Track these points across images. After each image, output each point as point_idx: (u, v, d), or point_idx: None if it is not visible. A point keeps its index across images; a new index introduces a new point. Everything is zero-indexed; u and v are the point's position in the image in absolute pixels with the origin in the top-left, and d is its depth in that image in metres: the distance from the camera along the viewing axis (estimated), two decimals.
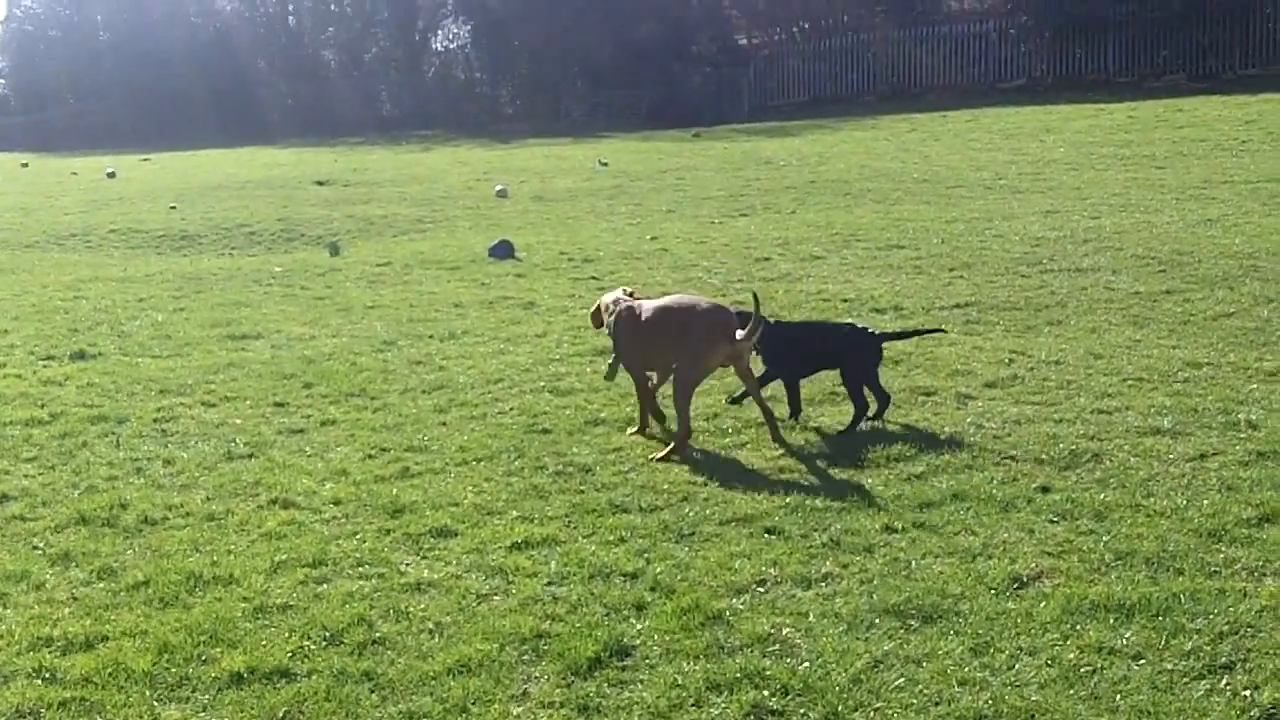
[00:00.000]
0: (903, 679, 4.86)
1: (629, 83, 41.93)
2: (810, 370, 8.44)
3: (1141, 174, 19.30)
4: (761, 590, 5.75)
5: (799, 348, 8.28)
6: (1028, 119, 28.79)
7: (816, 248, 14.71)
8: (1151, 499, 6.45)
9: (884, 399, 8.08)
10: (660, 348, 7.94)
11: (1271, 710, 4.49)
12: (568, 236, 17.24)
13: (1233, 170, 18.85)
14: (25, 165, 37.94)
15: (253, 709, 4.94)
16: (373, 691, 5.04)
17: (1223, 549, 5.82)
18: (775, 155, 26.33)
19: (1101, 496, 6.52)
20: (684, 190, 21.79)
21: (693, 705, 4.79)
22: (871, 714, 4.65)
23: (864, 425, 7.92)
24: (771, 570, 5.93)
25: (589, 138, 34.64)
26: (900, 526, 6.33)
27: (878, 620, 5.36)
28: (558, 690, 4.98)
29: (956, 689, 4.76)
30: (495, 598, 5.83)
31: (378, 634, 5.51)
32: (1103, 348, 9.42)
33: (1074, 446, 7.29)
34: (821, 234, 15.70)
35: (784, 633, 5.31)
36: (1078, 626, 5.17)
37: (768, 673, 4.95)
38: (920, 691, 4.77)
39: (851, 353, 8.08)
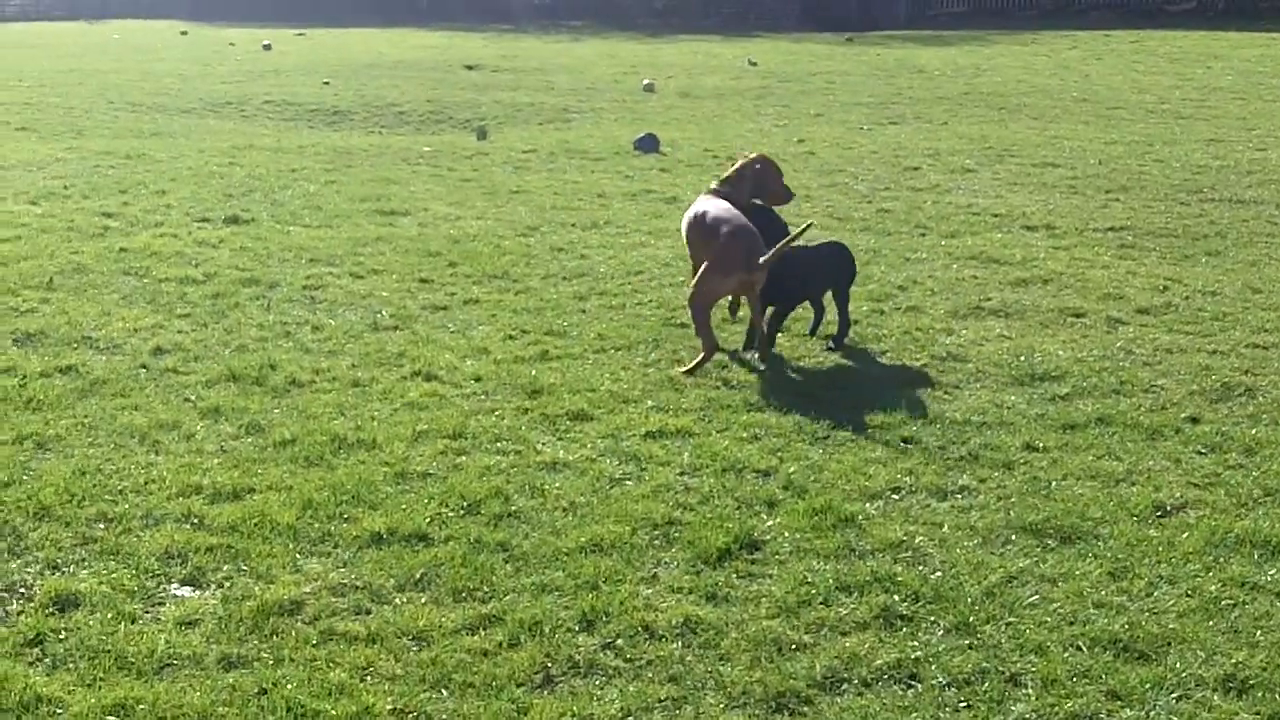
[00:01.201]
0: (1037, 596, 4.82)
1: None
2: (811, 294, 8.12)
3: None
4: (895, 497, 5.72)
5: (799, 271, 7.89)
6: (1195, 44, 27.87)
7: (968, 160, 14.44)
8: None
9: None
10: (697, 249, 7.87)
11: None
12: (713, 134, 17.10)
13: None
14: (184, 34, 38.51)
15: (391, 568, 5.05)
16: (506, 562, 5.13)
17: None
18: (929, 64, 25.82)
19: (1253, 432, 6.37)
20: (833, 95, 21.48)
21: (821, 603, 4.80)
22: (1003, 627, 4.61)
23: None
24: (907, 479, 5.90)
25: (739, 37, 34.23)
26: (1042, 446, 6.24)
27: (1014, 537, 5.31)
28: (687, 576, 5.02)
29: (1092, 610, 4.71)
30: (628, 482, 5.87)
31: (513, 508, 5.59)
32: (1261, 282, 9.15)
33: (1227, 379, 7.11)
34: (974, 147, 15.40)
35: (917, 541, 5.28)
36: (1220, 559, 5.08)
37: (899, 578, 4.94)
38: (1054, 610, 4.72)
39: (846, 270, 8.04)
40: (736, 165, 8.27)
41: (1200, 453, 6.14)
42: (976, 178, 13.46)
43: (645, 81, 23.24)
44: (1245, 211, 11.51)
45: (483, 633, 4.62)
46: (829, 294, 8.03)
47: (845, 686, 4.32)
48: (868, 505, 5.64)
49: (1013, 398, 6.91)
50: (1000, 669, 4.37)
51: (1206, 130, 16.59)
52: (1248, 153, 14.65)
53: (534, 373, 7.34)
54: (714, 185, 8.19)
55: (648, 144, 15.59)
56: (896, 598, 4.82)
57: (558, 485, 5.83)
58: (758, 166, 8.21)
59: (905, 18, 38.54)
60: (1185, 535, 5.27)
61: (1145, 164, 13.98)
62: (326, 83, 23.56)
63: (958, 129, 17.26)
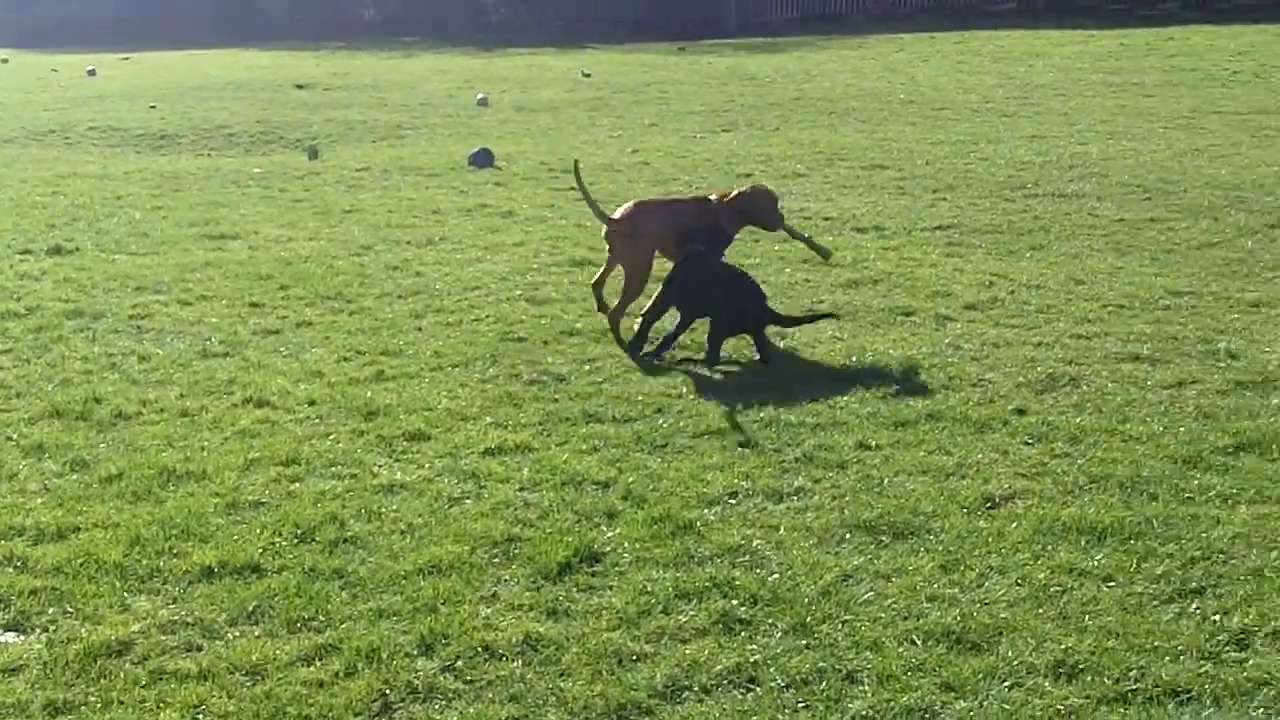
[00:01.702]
0: (871, 593, 4.88)
1: None
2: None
3: (1130, 102, 19.19)
4: (733, 502, 5.76)
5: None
6: (1017, 43, 28.57)
7: (799, 165, 14.63)
8: (1128, 424, 6.45)
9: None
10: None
11: (1240, 635, 4.51)
12: (548, 146, 17.10)
13: (1222, 101, 18.76)
14: (4, 61, 37.42)
15: (223, 602, 4.95)
16: (343, 589, 5.05)
17: (1197, 475, 5.83)
18: (761, 71, 26.11)
19: (1078, 421, 6.53)
20: (667, 104, 21.61)
21: (661, 612, 4.80)
22: (839, 625, 4.66)
23: (838, 344, 7.85)
24: (744, 483, 5.94)
25: (573, 49, 34.27)
26: (874, 444, 6.33)
27: (848, 535, 5.38)
28: (527, 593, 4.99)
29: (925, 604, 4.78)
30: (467, 501, 5.83)
31: (349, 533, 5.52)
32: (1084, 274, 9.40)
33: (1052, 370, 7.29)
34: (805, 152, 15.61)
35: (754, 544, 5.32)
36: (1049, 547, 5.19)
37: (737, 582, 4.97)
38: (889, 605, 4.79)
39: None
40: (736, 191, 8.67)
41: (1027, 443, 6.28)
42: (807, 182, 13.64)
43: (479, 96, 23.14)
44: (1068, 205, 11.83)
45: (319, 663, 4.54)
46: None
47: (686, 694, 4.33)
48: (706, 511, 5.67)
49: (845, 397, 6.99)
50: (837, 667, 4.41)
51: (1029, 127, 17.02)
52: (1069, 147, 15.06)
53: (369, 394, 7.25)
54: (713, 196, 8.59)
55: (482, 159, 15.53)
56: (735, 602, 4.84)
57: (395, 508, 5.77)
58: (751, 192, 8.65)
59: (736, 26, 38.93)
60: (1014, 525, 5.38)
61: (971, 162, 14.29)
62: (153, 106, 23.05)
63: (789, 134, 17.47)
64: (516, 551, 5.33)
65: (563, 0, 43.35)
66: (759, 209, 8.60)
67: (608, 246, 8.45)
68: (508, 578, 5.13)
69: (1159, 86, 20.76)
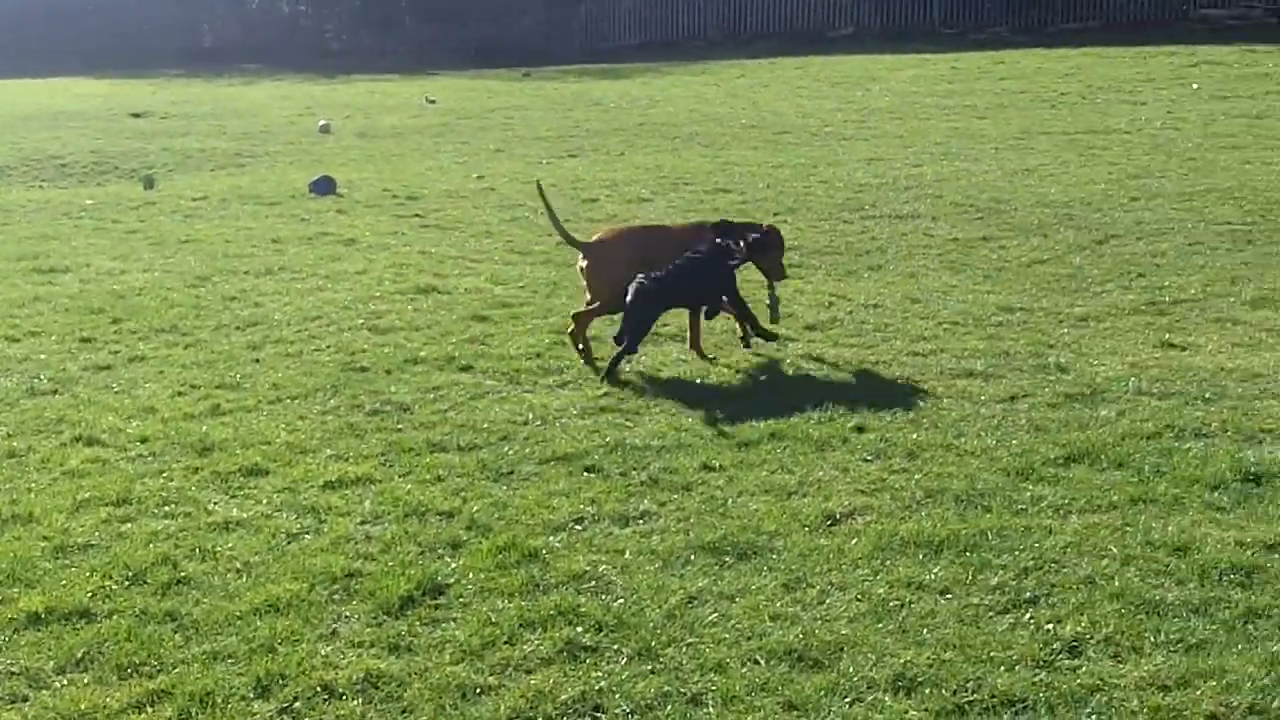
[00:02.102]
0: (716, 614, 4.89)
1: (459, 20, 41.34)
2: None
3: (963, 124, 19.64)
4: (579, 528, 5.74)
5: None
6: (854, 68, 29.08)
7: (644, 190, 14.70)
8: (963, 439, 6.57)
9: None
10: None
11: (1073, 643, 4.60)
12: (392, 173, 16.96)
13: (1051, 121, 19.29)
14: None
15: (50, 649, 4.79)
16: (176, 632, 4.92)
17: (1029, 487, 5.95)
18: (605, 97, 26.23)
19: (915, 436, 6.63)
20: (512, 130, 21.59)
21: (506, 642, 4.76)
22: (684, 649, 4.66)
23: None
24: (589, 508, 5.92)
25: (417, 75, 34.09)
26: (718, 465, 6.36)
27: (693, 557, 5.39)
28: (368, 629, 4.91)
29: (768, 623, 4.80)
30: (306, 537, 5.72)
31: (183, 573, 5.38)
32: (920, 292, 9.57)
33: (889, 388, 7.39)
34: (650, 176, 15.69)
35: (600, 570, 5.30)
36: (888, 562, 5.25)
37: (582, 609, 4.94)
38: (733, 626, 4.80)
39: None
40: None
41: (866, 460, 6.36)
42: (652, 206, 13.70)
43: (321, 123, 22.89)
44: (904, 226, 12.04)
45: (151, 710, 4.41)
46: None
47: None
48: (552, 538, 5.63)
49: (690, 419, 7.03)
50: (682, 690, 4.41)
51: (866, 150, 17.32)
52: (905, 169, 15.34)
53: (205, 429, 7.10)
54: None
55: (323, 186, 15.34)
56: (580, 629, 4.81)
57: (230, 546, 5.64)
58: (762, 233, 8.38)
59: (581, 51, 39.06)
60: (855, 541, 5.44)
61: (810, 185, 14.49)
62: None
63: (634, 159, 17.55)
64: (357, 587, 5.24)
65: (406, 26, 43.12)
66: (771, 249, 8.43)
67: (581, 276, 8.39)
68: (348, 614, 5.04)
69: (991, 109, 21.28)
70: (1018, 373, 7.59)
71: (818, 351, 8.16)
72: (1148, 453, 6.26)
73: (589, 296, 8.28)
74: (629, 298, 7.83)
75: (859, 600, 4.95)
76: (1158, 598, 4.87)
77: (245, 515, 5.95)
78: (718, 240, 8.09)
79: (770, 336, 8.18)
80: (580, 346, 8.15)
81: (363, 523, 5.87)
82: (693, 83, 28.49)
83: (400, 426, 7.11)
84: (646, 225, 9.22)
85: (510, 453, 6.65)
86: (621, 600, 5.04)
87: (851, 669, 4.48)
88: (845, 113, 21.73)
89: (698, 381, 7.64)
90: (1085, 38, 31.29)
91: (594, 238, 8.51)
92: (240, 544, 5.64)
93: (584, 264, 8.30)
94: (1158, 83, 23.39)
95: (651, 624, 4.84)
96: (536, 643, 4.75)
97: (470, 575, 5.29)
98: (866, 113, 21.61)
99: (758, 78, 28.64)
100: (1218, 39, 29.09)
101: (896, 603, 4.92)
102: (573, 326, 8.22)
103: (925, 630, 4.72)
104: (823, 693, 4.34)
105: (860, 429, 6.76)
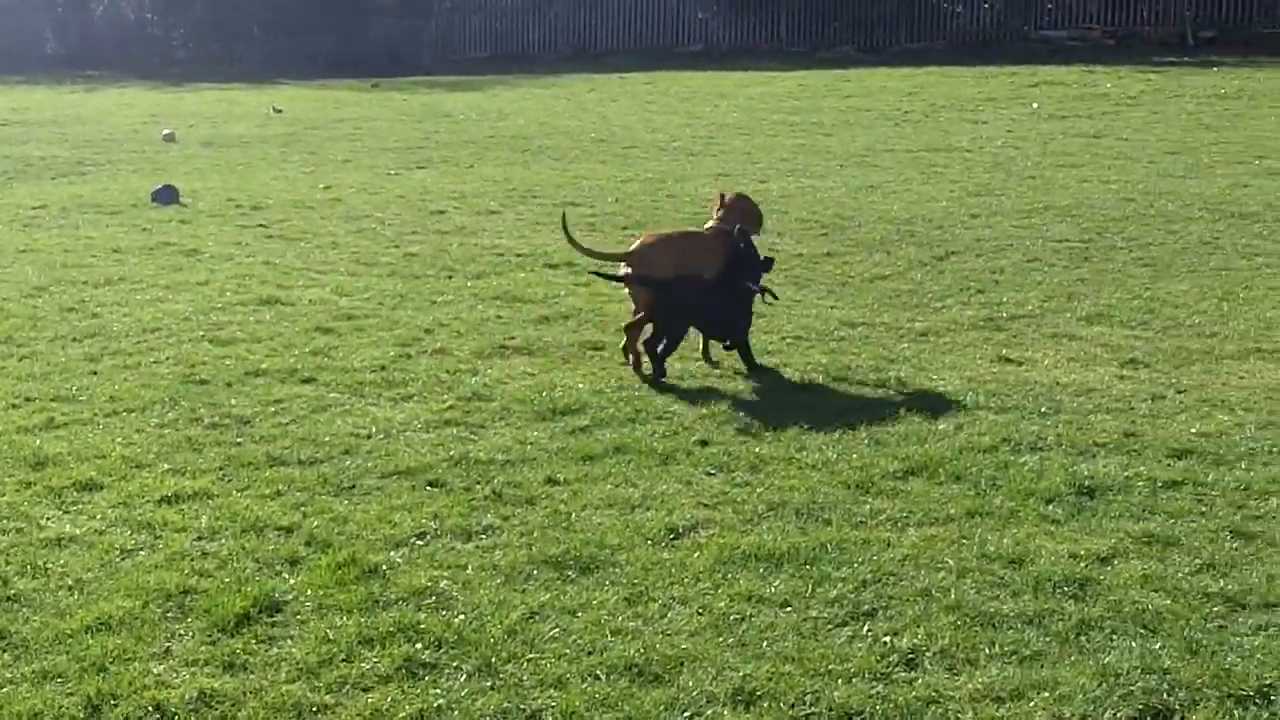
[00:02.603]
0: (557, 629, 4.89)
1: (307, 30, 40.82)
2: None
3: (809, 140, 19.91)
4: (421, 543, 5.69)
5: None
6: (704, 83, 29.32)
7: (493, 202, 14.66)
8: (804, 452, 6.65)
9: None
10: None
11: (910, 654, 4.67)
12: (237, 183, 16.69)
13: (894, 139, 19.65)
14: None
15: None
16: (4, 650, 4.78)
17: (869, 500, 6.04)
18: (455, 109, 26.11)
19: (758, 450, 6.69)
20: (360, 141, 21.38)
21: (344, 660, 4.70)
22: (525, 664, 4.65)
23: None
24: (432, 523, 5.88)
25: (265, 84, 33.59)
26: (563, 479, 6.36)
27: (536, 572, 5.38)
28: (203, 647, 4.82)
29: (610, 638, 4.81)
30: (140, 553, 5.60)
31: (12, 591, 5.23)
32: (764, 307, 9.65)
33: (734, 401, 7.46)
34: (499, 189, 15.65)
35: (441, 585, 5.26)
36: (729, 575, 5.29)
37: (422, 626, 4.90)
38: (574, 641, 4.80)
39: None
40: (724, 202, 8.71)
41: (710, 474, 6.41)
42: (501, 219, 13.68)
43: (165, 131, 22.42)
44: None
45: None
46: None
47: None
48: (393, 554, 5.58)
49: (535, 433, 7.02)
50: (522, 707, 4.39)
51: (714, 165, 17.48)
52: (752, 184, 15.45)
53: (38, 443, 6.91)
54: (710, 224, 8.57)
55: (166, 195, 15.03)
56: (420, 646, 4.77)
57: (63, 562, 5.49)
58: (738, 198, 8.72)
59: (430, 63, 38.84)
60: (697, 555, 5.48)
61: (659, 200, 14.59)
62: None
63: (483, 172, 17.50)
64: (192, 604, 5.14)
65: (255, 35, 42.49)
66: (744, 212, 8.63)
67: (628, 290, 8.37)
68: (182, 632, 4.94)
69: (837, 126, 21.61)
70: (859, 386, 7.72)
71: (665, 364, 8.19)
72: (984, 466, 6.40)
73: (634, 307, 8.26)
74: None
75: (700, 614, 4.98)
76: (993, 610, 4.97)
77: (78, 531, 5.80)
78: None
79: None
80: (630, 358, 8.10)
81: (199, 538, 5.76)
82: (543, 96, 28.50)
83: (240, 440, 7.00)
84: (685, 231, 9.10)
85: (352, 467, 6.58)
86: (462, 616, 5.00)
87: (691, 683, 4.50)
88: (694, 128, 21.90)
89: (543, 394, 7.63)
90: (929, 57, 31.95)
91: (632, 247, 8.39)
92: (72, 560, 5.50)
93: (626, 273, 8.26)
94: (999, 102, 23.96)
95: (492, 640, 4.81)
96: (375, 660, 4.70)
97: (309, 592, 5.22)
98: (715, 128, 21.80)
99: (607, 92, 28.74)
100: (1057, 59, 29.92)
101: (737, 616, 4.96)
102: (624, 340, 8.20)
103: (765, 643, 4.76)
104: (662, 707, 4.36)
105: (704, 443, 6.81)
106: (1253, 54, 29.23)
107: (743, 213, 8.74)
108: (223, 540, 5.73)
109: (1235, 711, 4.29)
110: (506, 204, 14.55)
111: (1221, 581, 5.14)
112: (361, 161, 18.93)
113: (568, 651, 4.73)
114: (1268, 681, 4.41)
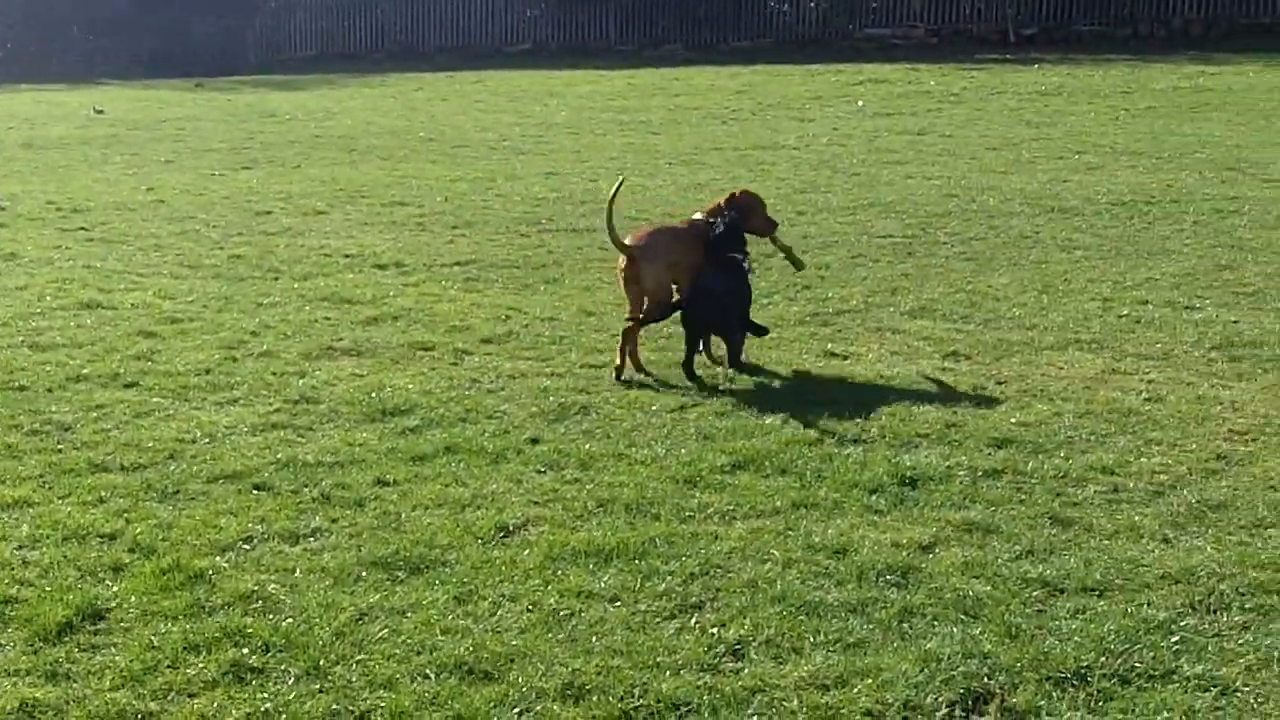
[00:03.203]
0: (387, 630, 4.88)
1: (129, 29, 39.89)
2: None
3: (638, 139, 20.06)
4: (247, 547, 5.64)
5: None
6: (533, 82, 29.36)
7: (320, 202, 14.52)
8: (634, 448, 6.73)
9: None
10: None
11: (737, 645, 4.75)
12: (57, 186, 16.27)
13: (722, 138, 19.89)
14: None
15: None
16: None
17: (697, 494, 6.13)
18: (280, 109, 25.76)
19: (588, 447, 6.75)
20: (184, 141, 20.99)
21: (169, 666, 4.64)
22: (354, 666, 4.64)
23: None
24: (258, 527, 5.82)
25: (85, 84, 32.76)
26: (392, 480, 6.35)
27: (365, 573, 5.36)
28: (24, 658, 4.72)
29: (440, 638, 4.82)
30: None
31: None
32: (594, 305, 9.74)
33: (564, 399, 7.51)
34: (326, 189, 15.50)
35: (268, 589, 5.22)
36: (559, 572, 5.34)
37: (249, 630, 4.86)
38: (403, 642, 4.80)
39: None
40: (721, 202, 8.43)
41: (540, 471, 6.45)
42: (328, 219, 13.55)
43: None
44: (580, 240, 12.23)
45: None
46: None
47: None
48: (219, 558, 5.52)
49: (364, 434, 6.99)
50: (351, 709, 4.38)
51: (544, 164, 17.52)
52: (581, 184, 15.59)
53: None
54: (696, 216, 8.36)
55: None
56: (246, 650, 4.73)
57: None
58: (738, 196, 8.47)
59: (255, 62, 38.23)
60: (527, 553, 5.51)
61: (488, 199, 14.58)
62: None
63: (310, 172, 17.30)
64: (13, 614, 5.03)
65: (74, 34, 41.37)
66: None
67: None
68: (3, 642, 4.83)
69: (665, 124, 21.81)
70: (688, 383, 7.82)
71: (494, 364, 8.22)
72: (810, 459, 6.53)
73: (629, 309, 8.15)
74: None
75: (530, 611, 5.02)
76: (818, 599, 5.08)
77: None
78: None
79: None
80: (622, 358, 8.00)
81: (19, 548, 5.63)
82: (370, 95, 28.26)
83: (61, 447, 6.85)
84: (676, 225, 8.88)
85: (176, 472, 6.49)
86: (290, 619, 4.97)
87: (521, 679, 4.53)
88: (523, 127, 21.93)
89: (371, 395, 7.59)
90: (757, 56, 32.38)
91: (631, 240, 8.21)
92: None
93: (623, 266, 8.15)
94: (825, 100, 24.41)
95: (321, 642, 4.79)
96: (201, 665, 4.65)
97: (132, 599, 5.14)
98: (544, 127, 21.85)
99: (436, 91, 28.61)
100: (882, 57, 30.56)
101: (567, 612, 5.01)
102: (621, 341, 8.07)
103: (594, 638, 4.82)
104: (492, 704, 4.39)
105: (534, 441, 6.85)
106: (1073, 51, 30.21)
107: (738, 207, 8.56)
108: (44, 549, 5.61)
109: (1054, 693, 4.44)
110: (334, 204, 14.42)
111: (1040, 567, 5.32)
112: (185, 163, 18.59)
113: (397, 652, 4.73)
114: (1085, 663, 4.58)
